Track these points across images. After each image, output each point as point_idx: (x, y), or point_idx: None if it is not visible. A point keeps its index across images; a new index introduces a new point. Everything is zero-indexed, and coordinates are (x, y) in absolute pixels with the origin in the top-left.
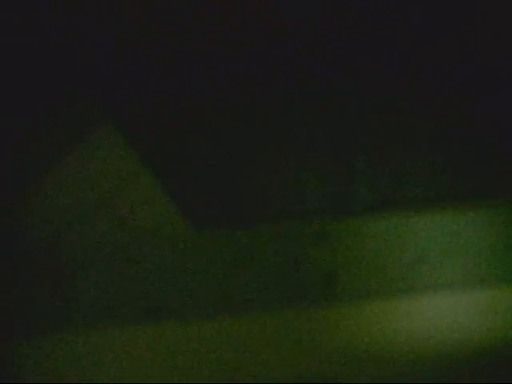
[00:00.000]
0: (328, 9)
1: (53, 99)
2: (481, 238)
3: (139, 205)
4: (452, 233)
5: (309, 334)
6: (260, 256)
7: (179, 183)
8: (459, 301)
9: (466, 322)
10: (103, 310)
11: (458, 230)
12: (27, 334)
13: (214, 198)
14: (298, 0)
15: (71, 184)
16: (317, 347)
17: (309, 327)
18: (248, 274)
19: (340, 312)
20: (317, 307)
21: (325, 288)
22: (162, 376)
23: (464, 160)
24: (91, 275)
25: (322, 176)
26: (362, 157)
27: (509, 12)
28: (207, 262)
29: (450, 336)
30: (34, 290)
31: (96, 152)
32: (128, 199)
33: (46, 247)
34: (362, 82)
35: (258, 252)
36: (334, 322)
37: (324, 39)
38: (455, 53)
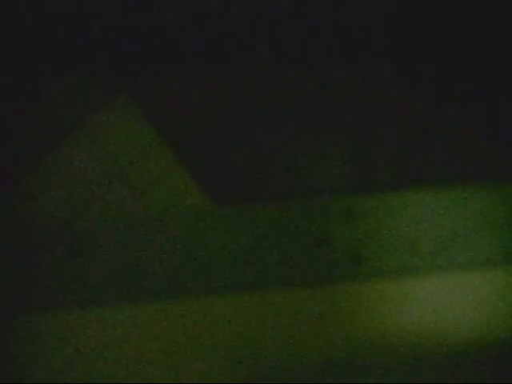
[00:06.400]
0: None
1: (65, 72)
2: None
3: (156, 180)
4: (483, 210)
5: (335, 313)
6: (283, 233)
7: (198, 156)
8: (491, 279)
9: (498, 300)
10: (117, 287)
11: (490, 208)
12: (37, 311)
13: (235, 173)
14: None
15: (84, 159)
16: (343, 327)
17: (335, 306)
18: (271, 251)
19: (365, 291)
20: (343, 285)
21: (351, 266)
22: (177, 354)
23: (494, 138)
24: (106, 252)
25: (348, 151)
26: (389, 132)
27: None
28: (227, 239)
29: (482, 315)
30: (48, 267)
31: (110, 126)
32: (144, 174)
33: (60, 224)
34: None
35: (281, 229)
36: (361, 300)
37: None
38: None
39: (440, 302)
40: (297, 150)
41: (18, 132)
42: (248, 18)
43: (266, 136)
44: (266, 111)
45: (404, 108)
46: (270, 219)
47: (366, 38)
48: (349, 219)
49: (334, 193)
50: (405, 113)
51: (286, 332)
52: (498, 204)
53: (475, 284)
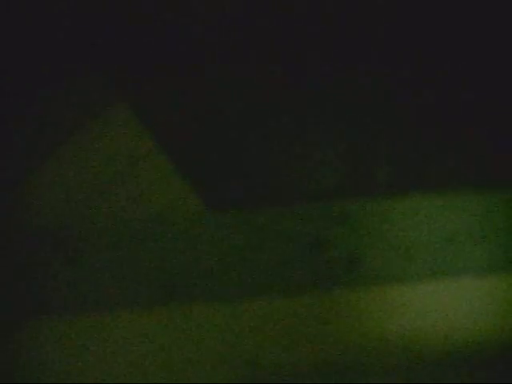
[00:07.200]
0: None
1: (65, 76)
2: (510, 223)
3: (152, 184)
4: (481, 215)
5: (331, 317)
6: (278, 238)
7: (194, 162)
8: (488, 286)
9: (496, 307)
10: (113, 291)
11: (488, 213)
12: (36, 316)
13: (230, 178)
14: None
15: (82, 162)
16: (337, 333)
17: (331, 311)
18: (265, 256)
19: (362, 296)
20: (338, 291)
21: (346, 271)
22: (173, 361)
23: (493, 141)
24: (102, 255)
25: (345, 155)
26: (387, 134)
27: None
28: (223, 244)
29: (479, 322)
30: (44, 270)
31: (108, 130)
32: (141, 179)
33: (56, 227)
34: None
35: (276, 234)
36: (358, 305)
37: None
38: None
39: (437, 306)
40: (294, 154)
41: (16, 135)
42: (247, 22)
43: (263, 141)
44: (263, 115)
45: (402, 110)
46: (266, 224)
47: (365, 38)
48: (345, 224)
49: (330, 197)
50: (404, 115)
51: (284, 337)
52: (497, 208)
53: (473, 289)
